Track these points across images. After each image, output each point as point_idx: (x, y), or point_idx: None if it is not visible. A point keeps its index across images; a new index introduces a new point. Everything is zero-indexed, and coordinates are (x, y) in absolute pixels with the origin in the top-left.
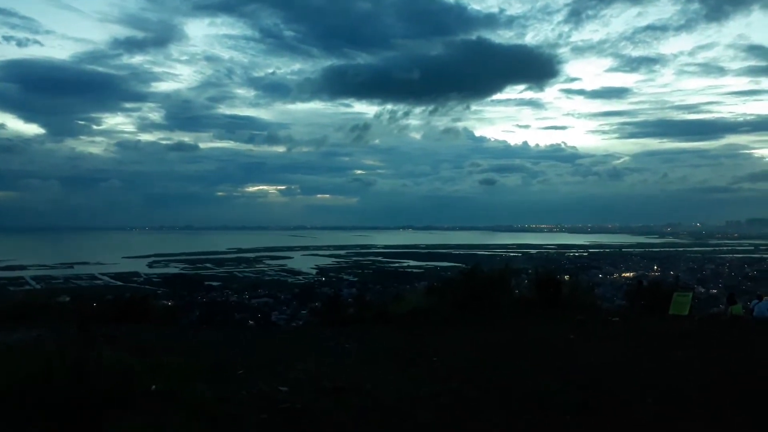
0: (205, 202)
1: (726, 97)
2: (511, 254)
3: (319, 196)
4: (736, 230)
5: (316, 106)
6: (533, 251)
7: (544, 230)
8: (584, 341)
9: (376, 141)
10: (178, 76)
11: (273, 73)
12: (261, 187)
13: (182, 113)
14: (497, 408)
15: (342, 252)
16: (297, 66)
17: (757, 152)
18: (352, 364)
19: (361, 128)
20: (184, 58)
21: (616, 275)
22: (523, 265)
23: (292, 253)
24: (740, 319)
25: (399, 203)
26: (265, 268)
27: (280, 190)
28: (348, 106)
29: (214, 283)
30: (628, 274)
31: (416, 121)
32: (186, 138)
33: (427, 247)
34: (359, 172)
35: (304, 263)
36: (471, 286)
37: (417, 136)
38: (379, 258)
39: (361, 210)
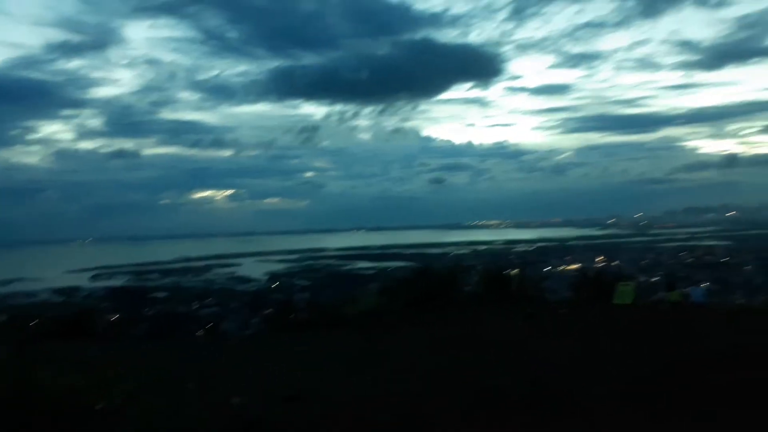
0: (150, 210)
1: (661, 91)
2: (461, 251)
3: (268, 200)
4: (673, 220)
5: (263, 108)
6: (482, 247)
7: (492, 226)
8: (534, 334)
9: (326, 142)
10: (118, 81)
11: (217, 76)
12: (208, 193)
13: (123, 119)
14: (452, 406)
15: (293, 256)
16: (242, 68)
17: (691, 144)
18: (306, 369)
19: (310, 130)
20: (124, 62)
21: (562, 268)
22: (473, 262)
23: (241, 260)
24: (679, 305)
25: (350, 205)
26: (214, 277)
27: (227, 196)
28: (296, 107)
29: (161, 295)
30: (573, 266)
31: (365, 121)
32: (127, 144)
33: (379, 247)
34: (309, 174)
35: (255, 270)
36: (423, 284)
37: (366, 136)
38: (332, 261)
39: (312, 213)
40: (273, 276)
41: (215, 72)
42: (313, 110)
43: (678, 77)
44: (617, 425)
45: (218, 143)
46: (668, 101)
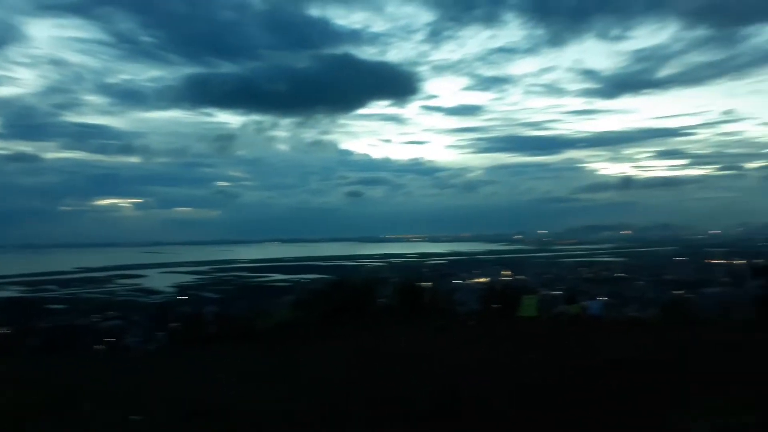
0: (49, 217)
1: (565, 116)
2: (377, 264)
3: (178, 209)
4: (574, 236)
5: (175, 114)
6: (397, 260)
7: (407, 240)
8: (445, 346)
9: (242, 152)
10: (18, 81)
11: (128, 80)
12: (113, 201)
13: (23, 121)
14: (362, 418)
15: (204, 268)
16: (155, 73)
17: (591, 166)
18: (214, 385)
19: (225, 139)
20: (26, 60)
21: (471, 281)
22: (388, 274)
23: (147, 271)
24: (578, 318)
25: (265, 216)
26: (117, 288)
27: (134, 204)
28: (211, 115)
29: (58, 306)
30: (482, 280)
31: (283, 132)
32: (27, 148)
33: (295, 259)
34: (223, 183)
35: (161, 281)
36: (338, 297)
37: (284, 147)
38: (244, 273)
39: (225, 223)
40: (181, 288)
41: (126, 76)
42: (230, 119)
43: (581, 103)
44: (523, 430)
45: (127, 149)
46: (572, 125)
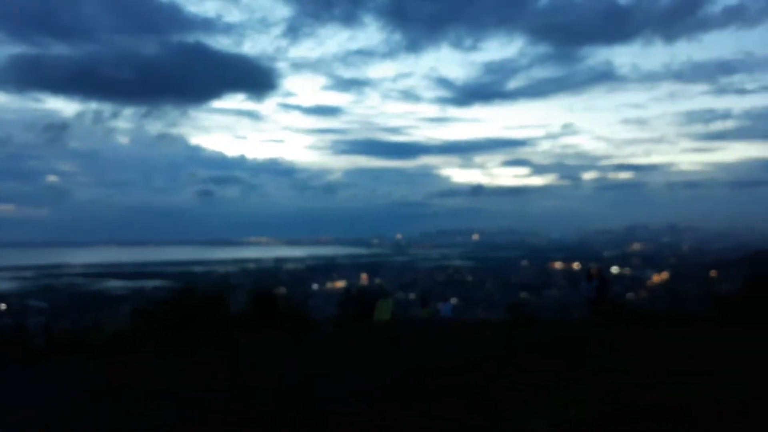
0: None
1: (421, 122)
2: (229, 269)
3: None
4: (429, 241)
5: None
6: (252, 265)
7: (262, 243)
8: (300, 352)
9: (76, 143)
10: None
11: None
12: None
13: None
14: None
15: (28, 273)
16: None
17: (444, 172)
18: (39, 404)
19: (56, 128)
20: None
21: (329, 285)
22: (241, 281)
23: None
24: (430, 320)
25: (103, 215)
26: None
27: None
28: (40, 101)
29: None
30: (340, 284)
31: (125, 123)
32: None
33: (136, 264)
34: (53, 178)
35: None
36: (184, 306)
37: (126, 140)
38: (77, 279)
39: (54, 223)
40: (0, 297)
41: None
42: (63, 106)
43: (435, 110)
44: (375, 428)
45: None
46: (426, 132)
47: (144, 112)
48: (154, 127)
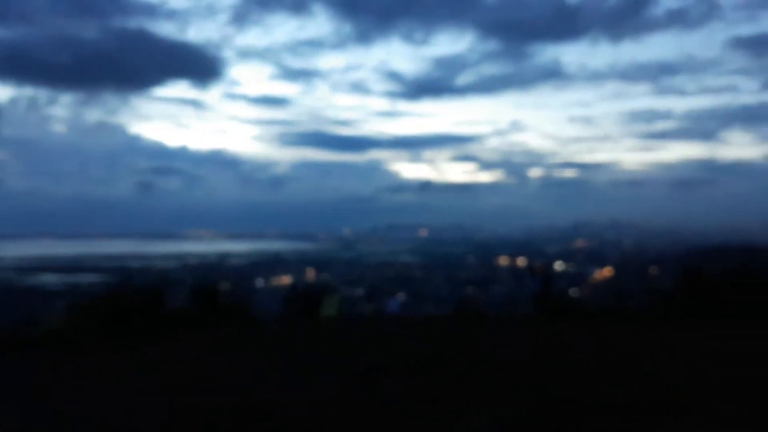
0: None
1: (370, 116)
2: (170, 264)
3: None
4: (377, 235)
5: None
6: (193, 260)
7: (205, 237)
8: (241, 350)
9: (7, 131)
10: None
11: None
12: None
13: None
14: None
15: None
16: None
17: (393, 167)
18: None
19: None
20: None
21: (274, 281)
22: (182, 275)
23: None
24: (377, 316)
25: (37, 206)
26: None
27: None
28: None
29: None
30: (286, 279)
31: (62, 111)
32: None
33: (72, 258)
34: None
35: None
36: (122, 301)
37: (62, 128)
38: (8, 273)
39: None
40: None
41: None
42: None
43: (385, 104)
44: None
45: None
46: (376, 126)
47: (82, 100)
48: (93, 115)
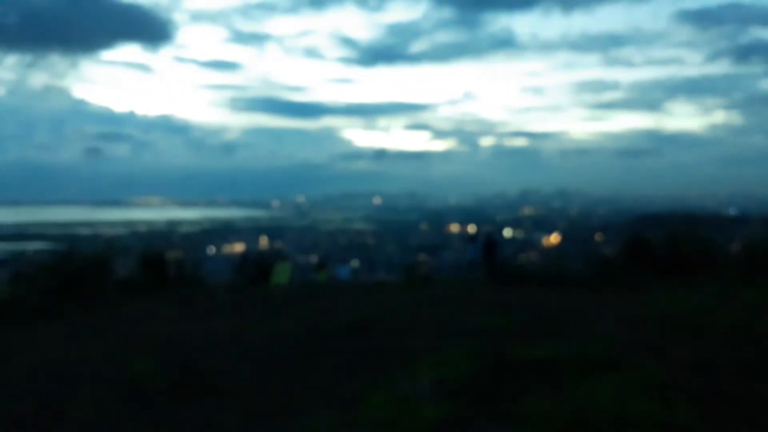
0: None
1: (324, 82)
2: (118, 232)
3: None
4: (331, 203)
5: None
6: (142, 227)
7: (154, 204)
8: (189, 319)
9: None
10: None
11: None
12: None
13: None
14: (88, 402)
15: None
16: None
17: (347, 134)
18: None
19: None
20: None
21: (227, 249)
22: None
23: None
24: (327, 283)
25: None
26: None
27: None
28: None
29: None
30: (238, 247)
31: (5, 73)
32: None
33: (16, 225)
34: None
35: None
36: (67, 270)
37: (3, 91)
38: None
39: None
40: None
41: None
42: None
43: (339, 70)
44: (259, 395)
45: None
46: (329, 92)
47: (24, 62)
48: (39, 78)
